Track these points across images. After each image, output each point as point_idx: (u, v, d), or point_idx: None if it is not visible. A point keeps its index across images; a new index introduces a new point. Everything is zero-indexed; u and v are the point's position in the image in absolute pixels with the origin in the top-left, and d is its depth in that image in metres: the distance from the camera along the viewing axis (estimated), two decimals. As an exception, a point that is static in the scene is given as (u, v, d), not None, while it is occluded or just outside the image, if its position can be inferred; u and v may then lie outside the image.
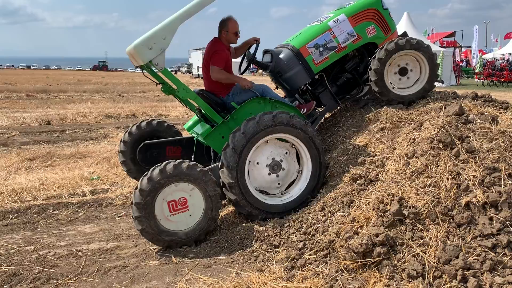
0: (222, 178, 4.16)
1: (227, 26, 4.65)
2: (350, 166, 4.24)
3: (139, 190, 3.80)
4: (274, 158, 4.40)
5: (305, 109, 4.94)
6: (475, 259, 2.96)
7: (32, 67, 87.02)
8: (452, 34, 38.14)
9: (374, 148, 4.32)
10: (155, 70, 4.22)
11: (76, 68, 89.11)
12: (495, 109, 4.44)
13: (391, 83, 4.84)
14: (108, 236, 4.45)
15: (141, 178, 3.88)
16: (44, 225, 4.79)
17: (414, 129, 4.17)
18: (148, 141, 5.27)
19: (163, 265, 3.74)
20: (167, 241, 3.92)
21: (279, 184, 4.46)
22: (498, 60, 35.40)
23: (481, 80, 27.41)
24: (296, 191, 4.44)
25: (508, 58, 34.55)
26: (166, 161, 3.94)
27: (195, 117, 5.12)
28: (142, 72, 4.53)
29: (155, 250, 4.01)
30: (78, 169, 7.00)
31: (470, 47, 38.14)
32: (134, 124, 5.52)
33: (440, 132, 3.84)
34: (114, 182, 6.32)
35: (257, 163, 4.36)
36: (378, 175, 3.90)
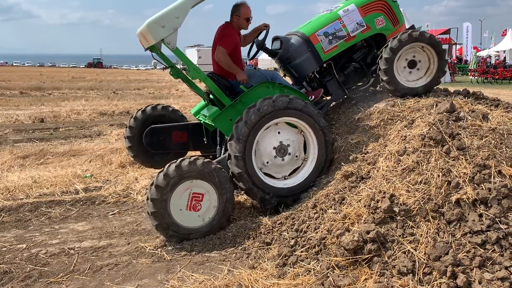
0: (245, 113, 4.19)
1: (239, 11, 4.65)
2: (342, 163, 4.27)
3: (189, 161, 3.96)
4: (290, 145, 4.43)
5: (313, 97, 4.97)
6: (464, 255, 2.98)
7: (26, 64, 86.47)
8: (447, 31, 38.24)
9: (366, 145, 4.33)
10: (168, 48, 4.18)
11: (71, 65, 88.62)
12: (486, 107, 4.46)
13: (398, 70, 4.86)
14: (100, 234, 4.44)
15: (195, 159, 4.00)
16: (36, 223, 4.78)
17: (405, 127, 4.19)
18: (154, 126, 5.26)
19: (155, 262, 3.74)
20: (157, 200, 3.89)
21: (267, 163, 4.43)
22: (493, 57, 35.53)
23: (476, 77, 27.49)
24: (270, 181, 4.40)
25: (504, 56, 34.67)
26: (226, 176, 4.12)
27: (202, 103, 5.14)
28: (152, 54, 4.51)
29: (147, 248, 4.01)
30: (71, 166, 6.97)
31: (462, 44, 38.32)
32: (139, 110, 5.50)
33: (431, 129, 3.86)
34: (107, 180, 6.30)
35: (279, 132, 4.41)
36: (369, 172, 3.92)
